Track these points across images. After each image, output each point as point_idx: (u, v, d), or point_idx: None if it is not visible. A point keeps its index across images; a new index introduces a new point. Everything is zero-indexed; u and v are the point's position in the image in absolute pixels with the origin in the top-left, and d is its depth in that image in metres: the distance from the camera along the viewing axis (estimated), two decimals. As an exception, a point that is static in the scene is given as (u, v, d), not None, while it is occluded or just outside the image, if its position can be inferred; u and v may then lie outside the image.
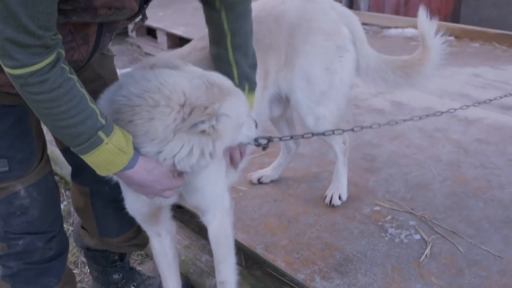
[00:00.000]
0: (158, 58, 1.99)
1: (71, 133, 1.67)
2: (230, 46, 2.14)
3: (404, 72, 2.98)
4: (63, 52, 1.62)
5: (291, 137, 2.65)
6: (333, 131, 2.64)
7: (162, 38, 7.39)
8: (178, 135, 1.77)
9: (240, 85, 2.15)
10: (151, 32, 7.88)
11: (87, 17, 1.76)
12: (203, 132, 1.77)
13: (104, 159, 1.72)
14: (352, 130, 2.64)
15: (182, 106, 1.76)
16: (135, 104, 1.78)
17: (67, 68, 1.62)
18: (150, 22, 7.62)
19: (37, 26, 1.48)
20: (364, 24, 7.49)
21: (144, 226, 2.35)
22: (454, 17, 9.05)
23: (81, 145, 1.69)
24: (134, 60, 7.31)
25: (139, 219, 2.29)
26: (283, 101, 2.87)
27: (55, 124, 1.66)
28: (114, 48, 7.56)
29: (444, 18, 8.80)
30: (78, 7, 1.70)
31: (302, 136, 2.62)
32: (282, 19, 2.66)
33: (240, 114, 1.94)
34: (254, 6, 2.66)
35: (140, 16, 1.98)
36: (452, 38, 6.93)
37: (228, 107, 1.85)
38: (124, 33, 8.10)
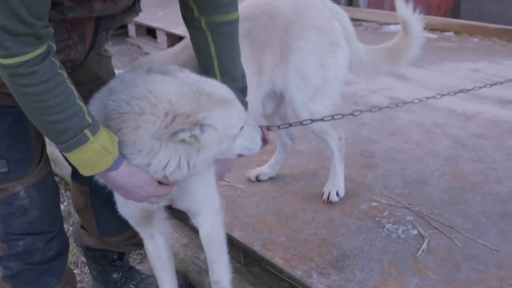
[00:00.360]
0: (152, 59, 1.98)
1: (57, 129, 1.67)
2: (218, 71, 2.13)
3: (393, 60, 3.06)
4: (54, 46, 1.62)
5: (290, 125, 2.64)
6: (332, 116, 2.63)
7: (162, 38, 7.39)
8: (164, 145, 1.76)
9: None
10: (151, 32, 7.89)
11: (83, 12, 1.76)
12: (183, 141, 1.75)
13: (89, 158, 1.72)
14: (352, 114, 2.64)
15: (167, 114, 1.74)
16: (123, 111, 1.77)
17: (57, 63, 1.62)
18: (150, 22, 7.64)
19: (29, 14, 1.48)
20: (363, 20, 7.56)
21: (138, 229, 2.36)
22: (454, 13, 9.05)
23: (66, 142, 1.69)
24: (134, 60, 7.32)
25: (132, 222, 2.29)
26: (276, 97, 2.89)
27: (41, 119, 1.66)
28: (114, 48, 7.60)
29: (444, 14, 8.81)
30: (73, 1, 1.70)
31: (301, 123, 2.61)
32: (276, 16, 2.68)
33: (230, 126, 1.89)
34: (248, 3, 2.67)
35: (135, 11, 1.99)
36: (451, 33, 6.94)
37: (215, 117, 1.80)
38: (124, 33, 8.12)
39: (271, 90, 2.78)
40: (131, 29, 8.01)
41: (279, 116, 3.22)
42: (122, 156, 1.78)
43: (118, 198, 2.17)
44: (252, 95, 2.47)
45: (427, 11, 8.34)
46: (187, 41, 2.40)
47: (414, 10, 2.95)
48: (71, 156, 1.72)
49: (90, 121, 1.70)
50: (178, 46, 2.40)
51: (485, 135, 4.01)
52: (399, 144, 3.90)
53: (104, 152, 1.72)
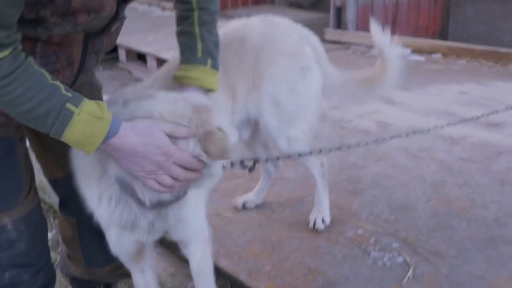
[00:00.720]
0: (125, 93, 1.98)
1: (38, 115, 1.62)
2: (197, 21, 2.13)
3: (367, 86, 3.02)
4: (20, 47, 1.60)
5: (278, 158, 2.66)
6: (320, 150, 2.63)
7: (152, 63, 7.41)
8: None
9: (203, 59, 2.13)
10: (142, 57, 7.91)
11: (68, 26, 1.75)
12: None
13: (82, 131, 1.65)
14: (339, 149, 2.64)
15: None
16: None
17: (22, 55, 1.60)
18: (140, 46, 7.67)
19: None
20: (352, 43, 7.60)
21: (129, 264, 2.32)
22: (443, 34, 9.11)
23: (53, 125, 1.63)
24: (124, 85, 7.33)
25: (125, 259, 2.26)
26: (251, 124, 2.90)
27: (19, 110, 1.62)
28: (104, 73, 7.61)
29: (433, 35, 8.86)
30: (56, 13, 1.69)
31: (289, 156, 2.61)
32: (246, 43, 2.69)
33: (226, 126, 1.93)
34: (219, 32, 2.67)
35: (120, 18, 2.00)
36: (438, 55, 6.99)
37: (216, 122, 1.85)
38: (115, 58, 8.13)
39: (245, 117, 2.78)
40: (121, 54, 8.03)
41: (260, 143, 3.22)
42: (118, 119, 1.72)
43: (110, 236, 2.15)
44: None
45: (415, 33, 8.40)
46: (155, 75, 2.40)
47: (393, 34, 2.90)
48: (66, 137, 1.66)
49: (70, 95, 1.65)
50: (149, 80, 2.38)
51: (472, 159, 4.03)
52: (386, 169, 3.92)
53: (95, 120, 1.66)
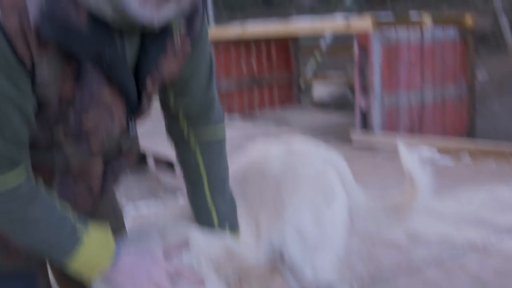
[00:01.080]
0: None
1: (47, 244, 1.65)
2: (207, 186, 2.12)
3: (395, 213, 2.90)
4: (30, 165, 1.63)
5: None
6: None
7: (179, 170, 7.45)
8: None
9: (220, 227, 2.14)
10: (170, 163, 7.97)
11: (83, 151, 1.76)
12: None
13: (89, 260, 1.67)
14: None
15: None
16: None
17: (33, 178, 1.63)
18: (168, 152, 7.73)
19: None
20: (378, 145, 7.60)
21: None
22: (470, 132, 9.09)
23: (64, 249, 1.65)
24: (152, 191, 7.38)
25: None
26: (276, 254, 2.83)
27: (28, 240, 1.65)
28: (132, 179, 7.67)
29: (460, 133, 8.85)
30: (69, 135, 1.70)
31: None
32: (268, 173, 2.64)
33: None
34: (239, 165, 2.65)
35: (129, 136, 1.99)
36: (466, 156, 6.93)
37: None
38: (143, 163, 8.22)
39: (269, 248, 2.72)
40: (150, 161, 8.12)
41: (287, 268, 3.14)
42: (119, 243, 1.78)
43: None
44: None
45: (442, 132, 8.41)
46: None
47: (420, 134, 2.83)
48: (76, 262, 1.67)
49: (78, 223, 1.69)
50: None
51: (506, 271, 3.90)
52: (417, 284, 3.80)
53: (102, 248, 1.69)
